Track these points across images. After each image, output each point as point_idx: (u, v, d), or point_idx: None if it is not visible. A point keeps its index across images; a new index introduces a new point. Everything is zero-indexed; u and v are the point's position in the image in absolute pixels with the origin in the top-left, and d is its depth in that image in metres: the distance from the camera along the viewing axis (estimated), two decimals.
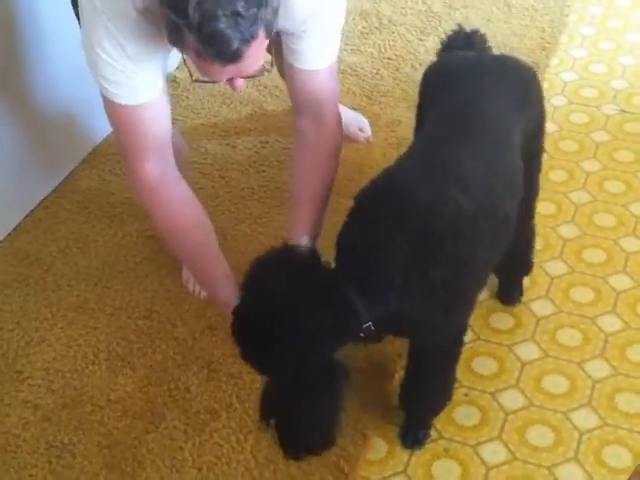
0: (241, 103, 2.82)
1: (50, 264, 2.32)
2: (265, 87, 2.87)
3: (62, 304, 2.20)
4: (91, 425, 1.91)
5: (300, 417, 1.53)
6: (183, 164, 2.03)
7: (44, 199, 2.51)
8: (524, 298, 2.13)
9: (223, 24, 1.38)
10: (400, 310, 1.52)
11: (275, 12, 1.48)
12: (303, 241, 1.80)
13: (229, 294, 1.78)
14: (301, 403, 1.51)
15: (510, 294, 2.13)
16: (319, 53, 1.80)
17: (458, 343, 1.75)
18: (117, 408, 1.94)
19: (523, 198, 1.75)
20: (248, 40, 1.42)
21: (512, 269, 2.07)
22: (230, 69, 1.48)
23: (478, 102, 1.72)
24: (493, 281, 2.13)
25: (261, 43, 1.48)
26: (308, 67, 1.80)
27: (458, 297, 1.57)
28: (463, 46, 1.92)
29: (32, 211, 2.48)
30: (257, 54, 1.50)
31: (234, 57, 1.44)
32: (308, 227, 1.87)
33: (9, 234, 2.41)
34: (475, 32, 1.98)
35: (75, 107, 2.51)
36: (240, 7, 1.38)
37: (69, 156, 2.61)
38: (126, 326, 2.13)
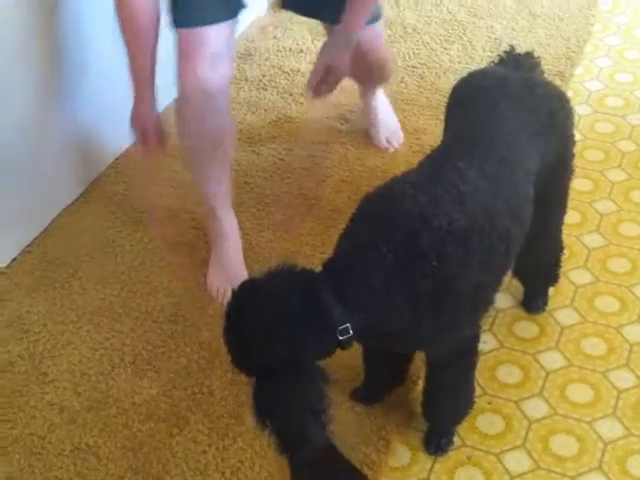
0: (266, 110, 2.84)
1: (76, 268, 2.34)
2: (290, 95, 2.89)
3: (88, 308, 2.22)
4: (116, 428, 1.92)
5: (280, 415, 1.50)
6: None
7: (71, 204, 2.54)
8: (548, 307, 2.13)
9: None
10: (386, 320, 1.51)
11: None
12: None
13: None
14: (279, 401, 1.49)
15: (535, 303, 2.13)
16: None
17: (470, 353, 1.75)
18: (142, 411, 1.96)
19: (550, 216, 1.76)
20: None
21: (538, 279, 2.08)
22: None
23: (494, 124, 1.71)
24: (517, 289, 2.13)
25: None
26: None
27: (446, 314, 1.54)
28: (513, 68, 1.90)
29: (59, 215, 2.50)
30: None
31: None
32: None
33: (36, 238, 2.43)
34: (528, 55, 1.98)
35: (102, 114, 2.53)
36: None
37: (96, 161, 2.63)
38: (151, 330, 2.14)
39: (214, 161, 2.14)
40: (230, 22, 2.04)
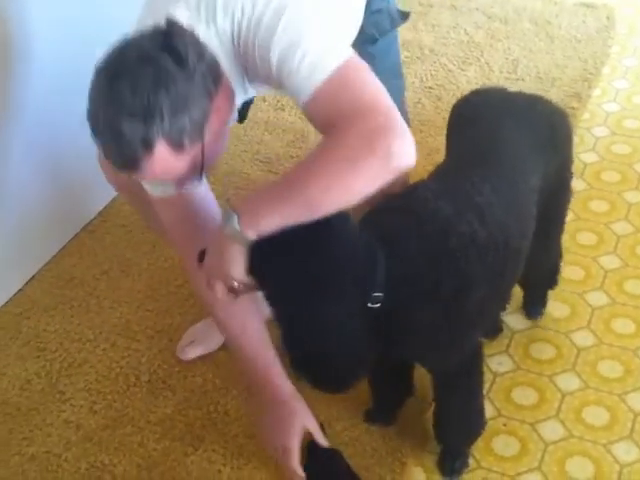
0: (284, 131, 2.86)
1: (94, 286, 2.36)
2: None
3: (105, 326, 2.23)
4: (131, 446, 1.93)
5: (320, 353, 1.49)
6: None
7: (89, 223, 2.56)
8: (565, 329, 2.12)
9: (106, 139, 1.37)
10: (407, 311, 1.52)
11: (193, 121, 1.36)
12: None
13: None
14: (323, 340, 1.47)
15: (534, 309, 2.14)
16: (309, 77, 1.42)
17: (473, 373, 1.75)
18: (157, 430, 1.96)
19: (549, 225, 1.80)
20: (135, 156, 1.35)
21: (537, 286, 2.10)
22: (139, 174, 1.41)
23: (500, 142, 1.73)
24: None
25: (164, 154, 1.36)
26: (305, 97, 1.44)
27: (461, 316, 1.57)
28: None
29: (77, 234, 2.52)
30: (162, 165, 1.38)
31: (125, 168, 1.40)
32: None
33: (54, 256, 2.46)
34: None
35: None
36: (123, 125, 1.32)
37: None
38: (167, 349, 2.15)
39: None
40: None
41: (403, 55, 3.11)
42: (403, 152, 1.36)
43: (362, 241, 1.46)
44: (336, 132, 1.38)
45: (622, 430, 1.89)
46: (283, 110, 2.95)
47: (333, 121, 1.40)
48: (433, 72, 3.09)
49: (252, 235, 1.38)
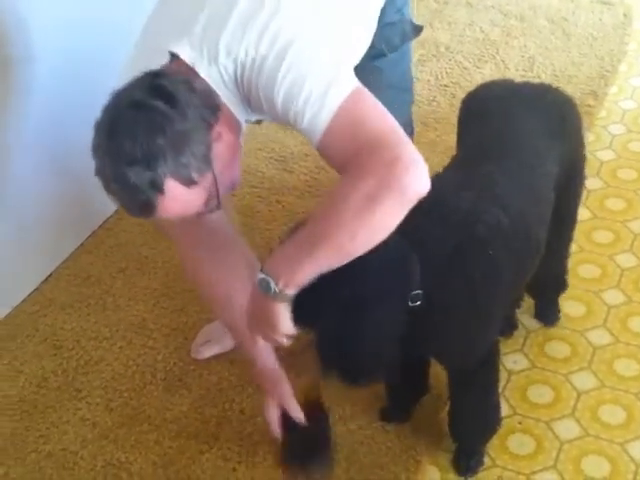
0: None
1: (110, 284, 2.37)
2: None
3: (121, 324, 2.24)
4: (147, 444, 1.94)
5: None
6: None
7: (106, 221, 2.57)
8: (581, 327, 2.11)
9: (116, 192, 1.41)
10: (440, 304, 1.52)
11: (196, 154, 1.38)
12: None
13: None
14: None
15: (550, 314, 2.13)
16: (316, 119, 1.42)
17: (490, 368, 1.75)
18: (173, 428, 1.97)
19: (561, 224, 1.78)
20: (148, 200, 1.38)
21: (550, 289, 2.09)
22: (160, 215, 1.43)
23: (514, 132, 1.74)
24: None
25: (176, 192, 1.39)
26: (314, 139, 1.45)
27: (489, 308, 1.58)
28: None
29: (94, 232, 2.54)
30: (177, 202, 1.41)
31: (143, 214, 1.43)
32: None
33: (71, 255, 2.47)
34: None
35: None
36: (129, 175, 1.35)
37: None
38: (183, 346, 2.16)
39: None
40: None
41: (418, 53, 3.12)
42: (416, 181, 1.36)
43: (395, 244, 1.45)
44: (349, 176, 1.39)
45: (638, 429, 1.88)
46: None
47: (344, 161, 1.41)
48: (448, 70, 3.08)
49: (293, 292, 1.41)
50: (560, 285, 2.10)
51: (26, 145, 2.22)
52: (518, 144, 1.72)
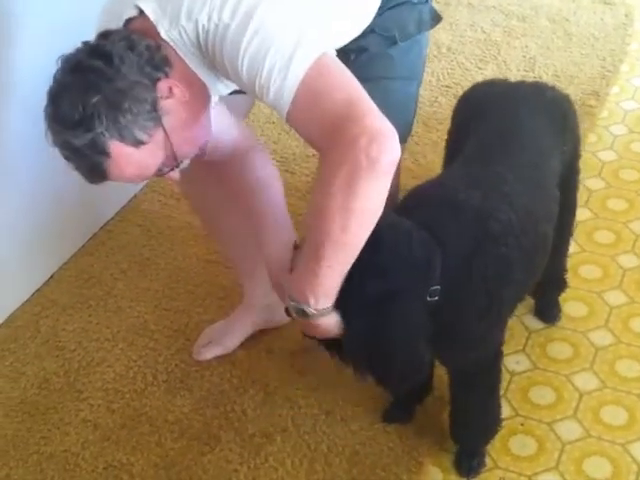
0: None
1: (112, 286, 2.37)
2: None
3: (123, 325, 2.24)
4: (149, 445, 1.94)
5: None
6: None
7: (107, 222, 2.57)
8: (583, 328, 2.11)
9: (67, 158, 1.43)
10: (456, 301, 1.53)
11: (137, 112, 1.38)
12: None
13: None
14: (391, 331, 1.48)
15: (551, 312, 2.13)
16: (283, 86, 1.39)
17: (492, 370, 1.75)
18: (174, 429, 1.97)
19: (560, 222, 1.79)
20: (96, 164, 1.40)
21: (551, 287, 2.09)
22: (114, 179, 1.46)
23: (518, 129, 1.74)
24: None
25: (123, 152, 1.40)
26: (282, 111, 1.42)
27: (499, 304, 1.58)
28: None
29: (95, 234, 2.54)
30: (128, 163, 1.42)
31: (95, 178, 1.46)
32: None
33: (73, 256, 2.47)
34: None
35: None
36: (72, 140, 1.37)
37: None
38: (184, 348, 2.16)
39: None
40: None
41: None
42: (384, 153, 1.34)
43: (418, 240, 1.47)
44: (322, 167, 1.39)
45: None
46: None
47: (313, 137, 1.42)
48: (450, 70, 3.08)
49: (329, 303, 1.42)
50: (560, 283, 2.11)
51: (25, 146, 2.22)
52: (522, 142, 1.72)
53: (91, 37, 1.47)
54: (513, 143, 1.72)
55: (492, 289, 1.54)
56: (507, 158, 1.69)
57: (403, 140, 1.55)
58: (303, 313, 1.43)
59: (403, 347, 1.49)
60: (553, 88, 1.89)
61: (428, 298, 1.48)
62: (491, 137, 1.75)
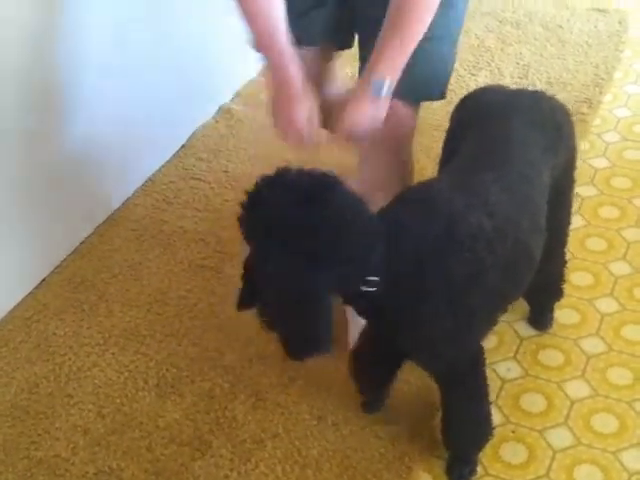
0: None
1: (103, 290, 2.36)
2: None
3: (114, 330, 2.24)
4: (139, 451, 1.93)
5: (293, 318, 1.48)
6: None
7: (99, 226, 2.57)
8: (574, 335, 2.11)
9: None
10: (407, 300, 1.53)
11: None
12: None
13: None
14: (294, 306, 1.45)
15: (543, 320, 2.13)
16: None
17: (475, 376, 1.75)
18: (165, 435, 1.96)
19: (554, 231, 1.80)
20: None
21: (545, 295, 2.09)
22: None
23: (510, 139, 1.74)
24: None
25: None
26: None
27: (463, 309, 1.57)
28: None
29: (87, 238, 2.53)
30: None
31: None
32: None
33: (65, 259, 2.46)
34: None
35: (131, 137, 2.57)
36: None
37: (124, 185, 2.66)
38: (175, 353, 2.15)
39: None
40: None
41: None
42: None
43: (364, 225, 1.46)
44: None
45: (631, 438, 1.88)
46: None
47: None
48: None
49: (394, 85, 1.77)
50: (555, 292, 2.10)
51: (15, 147, 2.21)
52: (514, 153, 1.72)
53: None
54: (504, 153, 1.72)
55: (454, 293, 1.54)
56: (496, 167, 1.69)
57: (436, 98, 2.01)
58: (380, 88, 1.74)
59: (300, 312, 1.46)
60: (550, 98, 1.89)
61: (363, 287, 1.48)
62: (483, 145, 1.75)
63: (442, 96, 2.00)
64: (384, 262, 1.48)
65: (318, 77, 2.04)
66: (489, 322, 1.73)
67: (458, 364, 1.68)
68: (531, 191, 1.70)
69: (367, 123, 1.81)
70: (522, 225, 1.65)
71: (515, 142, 1.73)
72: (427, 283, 1.52)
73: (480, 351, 1.73)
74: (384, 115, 1.81)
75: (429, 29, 1.76)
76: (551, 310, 2.13)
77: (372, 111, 1.80)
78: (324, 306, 1.46)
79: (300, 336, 1.49)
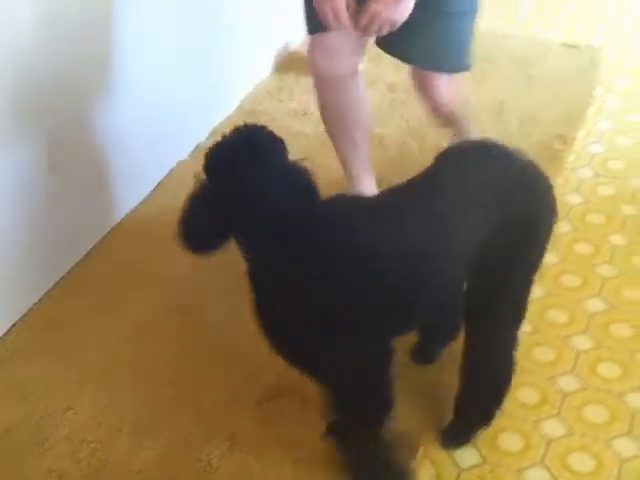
0: None
1: (77, 332, 2.34)
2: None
3: (89, 372, 2.21)
4: None
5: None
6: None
7: (72, 268, 2.55)
8: (551, 373, 2.11)
9: None
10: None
11: None
12: None
13: None
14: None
15: (455, 435, 1.96)
16: None
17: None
18: (139, 478, 1.94)
19: (493, 315, 1.81)
20: None
21: (471, 408, 1.95)
22: None
23: (448, 191, 1.71)
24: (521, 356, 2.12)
25: None
26: None
27: (331, 315, 1.59)
28: None
29: (62, 278, 2.51)
30: None
31: None
32: None
33: (39, 300, 2.44)
34: None
35: (108, 177, 2.56)
36: None
37: (95, 228, 2.65)
38: (151, 396, 2.13)
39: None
40: None
41: (389, 97, 3.15)
42: None
43: (283, 173, 1.61)
44: None
45: (608, 476, 1.88)
46: None
47: None
48: (418, 113, 3.10)
49: None
50: (486, 413, 1.94)
51: None
52: (452, 200, 1.69)
53: None
54: (442, 197, 1.69)
55: (312, 301, 1.58)
56: (425, 206, 1.68)
57: (459, 70, 2.32)
58: None
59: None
60: (528, 170, 1.77)
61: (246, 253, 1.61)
62: (428, 185, 1.75)
63: (469, 67, 2.30)
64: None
65: None
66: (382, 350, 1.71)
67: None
68: (449, 236, 1.66)
69: (385, 17, 2.05)
70: (426, 263, 1.63)
71: (459, 192, 1.69)
72: (275, 283, 1.61)
73: (386, 354, 1.71)
74: (404, 19, 2.05)
75: (454, 5, 2.13)
76: (472, 431, 1.96)
77: (393, 5, 2.03)
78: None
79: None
